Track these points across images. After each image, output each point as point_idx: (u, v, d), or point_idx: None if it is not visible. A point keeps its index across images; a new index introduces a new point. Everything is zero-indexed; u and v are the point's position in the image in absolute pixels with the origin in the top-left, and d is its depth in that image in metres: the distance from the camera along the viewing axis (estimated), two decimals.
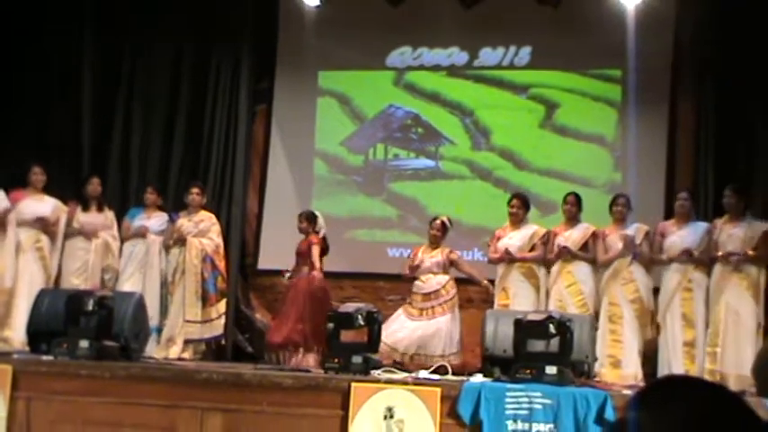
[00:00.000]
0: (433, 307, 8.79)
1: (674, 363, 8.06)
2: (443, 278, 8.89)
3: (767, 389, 6.25)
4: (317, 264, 9.08)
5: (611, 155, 10.40)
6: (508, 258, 8.65)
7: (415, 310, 8.76)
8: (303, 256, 9.18)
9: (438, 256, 8.96)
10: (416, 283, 8.92)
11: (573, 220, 8.78)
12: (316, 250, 9.10)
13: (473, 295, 9.97)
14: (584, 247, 8.60)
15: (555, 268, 8.60)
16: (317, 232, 9.23)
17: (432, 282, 8.87)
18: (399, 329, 8.65)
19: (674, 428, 1.30)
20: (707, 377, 7.78)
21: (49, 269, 8.92)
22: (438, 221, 9.10)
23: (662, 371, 8.12)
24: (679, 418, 1.30)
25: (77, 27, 10.76)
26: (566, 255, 8.50)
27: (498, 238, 8.86)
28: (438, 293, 8.84)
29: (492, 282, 8.87)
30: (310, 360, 8.75)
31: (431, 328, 8.69)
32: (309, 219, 9.29)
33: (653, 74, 10.09)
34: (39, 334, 7.07)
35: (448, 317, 8.78)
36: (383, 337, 7.80)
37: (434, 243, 9.04)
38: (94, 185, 9.44)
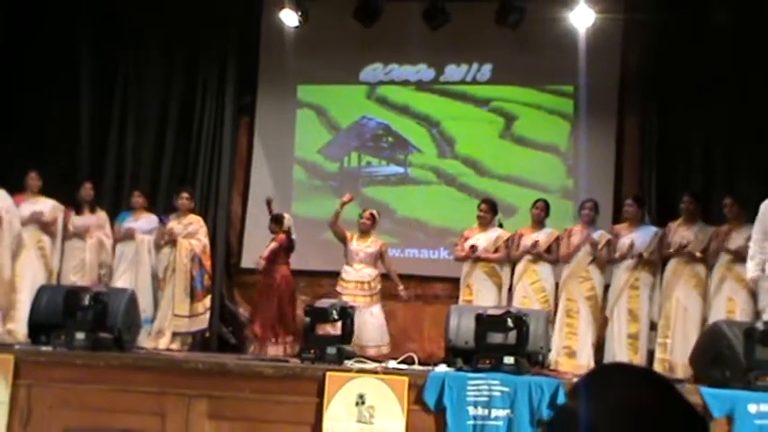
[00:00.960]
0: (365, 296, 8.85)
1: (618, 353, 8.13)
2: (373, 271, 8.96)
3: (703, 377, 6.34)
4: (264, 253, 9.10)
5: (564, 163, 10.48)
6: (473, 256, 8.67)
7: (349, 298, 8.76)
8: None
9: (372, 246, 9.01)
10: (347, 269, 8.96)
11: (540, 223, 8.78)
12: (272, 245, 9.13)
13: (439, 292, 10.04)
14: (548, 249, 8.64)
15: (520, 266, 8.62)
16: (285, 232, 9.25)
17: (363, 272, 8.91)
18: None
19: (612, 411, 1.32)
20: (658, 365, 7.92)
21: (50, 266, 8.90)
22: (368, 212, 9.20)
23: (608, 360, 8.20)
24: (617, 401, 1.33)
25: (74, 44, 10.72)
26: (535, 250, 8.52)
27: (466, 238, 8.86)
28: (370, 285, 8.90)
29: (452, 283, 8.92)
30: (270, 350, 8.81)
31: (369, 319, 8.73)
32: (276, 220, 9.32)
33: (602, 90, 10.19)
34: (39, 326, 7.03)
35: (378, 307, 8.86)
36: None
37: (366, 233, 9.10)
38: (87, 189, 9.44)
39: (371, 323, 8.75)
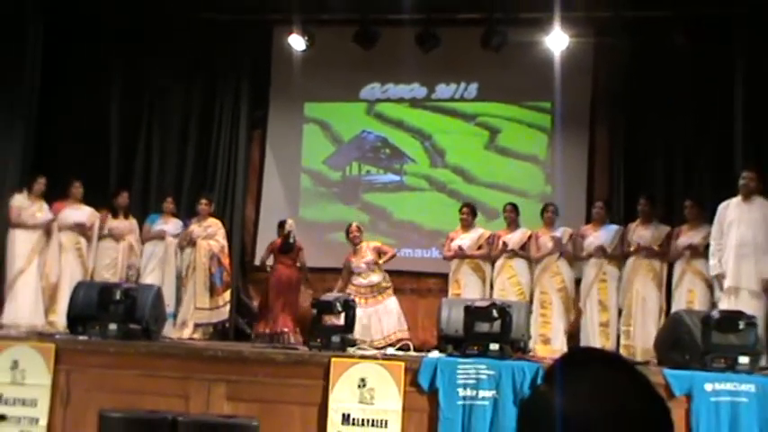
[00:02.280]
0: (382, 294, 8.93)
1: (592, 340, 8.20)
2: (380, 274, 9.08)
3: (665, 359, 6.39)
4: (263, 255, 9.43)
5: (542, 171, 10.50)
6: (460, 254, 8.75)
7: (362, 299, 8.79)
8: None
9: (368, 255, 9.09)
10: (358, 278, 9.03)
11: (513, 224, 8.88)
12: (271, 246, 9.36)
13: (432, 286, 10.07)
14: (523, 247, 8.71)
15: (498, 263, 8.72)
16: (284, 236, 9.34)
17: (372, 279, 9.00)
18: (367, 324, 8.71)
19: (586, 394, 1.31)
20: (623, 351, 7.98)
21: (86, 265, 8.97)
22: (354, 226, 9.32)
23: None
24: (590, 384, 1.30)
25: (107, 66, 10.72)
26: (508, 251, 8.60)
27: (451, 239, 8.97)
28: (380, 284, 8.98)
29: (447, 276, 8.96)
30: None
31: (384, 310, 8.80)
32: (280, 225, 9.44)
33: (576, 106, 10.20)
34: (76, 318, 7.09)
35: (393, 298, 8.96)
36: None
37: (358, 244, 9.19)
38: (124, 197, 9.53)
39: (394, 312, 8.90)
